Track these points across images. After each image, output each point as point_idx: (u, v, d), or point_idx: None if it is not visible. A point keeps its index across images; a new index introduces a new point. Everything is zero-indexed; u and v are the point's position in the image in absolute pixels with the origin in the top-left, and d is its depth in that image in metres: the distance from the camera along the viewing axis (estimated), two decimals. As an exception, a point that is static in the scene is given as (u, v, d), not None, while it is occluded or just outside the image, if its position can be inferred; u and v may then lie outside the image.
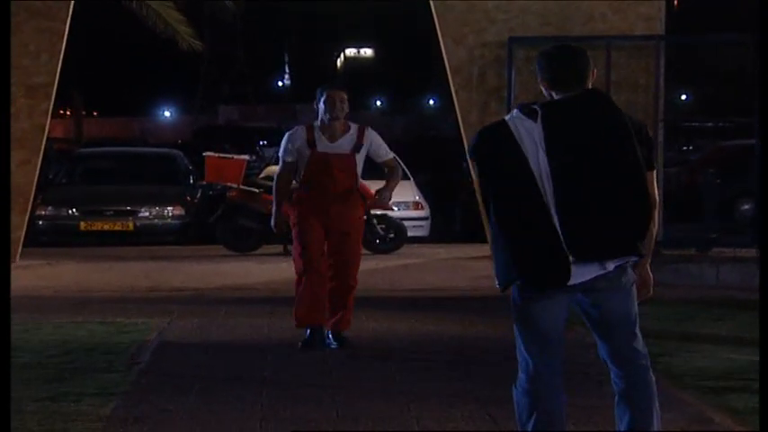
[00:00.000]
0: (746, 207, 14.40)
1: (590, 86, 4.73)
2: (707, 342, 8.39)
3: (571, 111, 4.64)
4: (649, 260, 4.85)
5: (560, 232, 4.55)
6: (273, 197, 8.07)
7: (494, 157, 4.67)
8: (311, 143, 7.88)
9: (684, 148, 24.63)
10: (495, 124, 4.75)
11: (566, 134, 4.60)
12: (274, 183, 8.07)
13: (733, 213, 15.11)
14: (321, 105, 7.89)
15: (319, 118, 7.94)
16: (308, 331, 8.01)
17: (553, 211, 4.57)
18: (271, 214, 8.14)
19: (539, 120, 4.62)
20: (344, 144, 7.92)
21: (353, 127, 7.98)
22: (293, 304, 8.10)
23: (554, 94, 4.73)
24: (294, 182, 8.03)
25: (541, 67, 4.76)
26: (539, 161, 4.59)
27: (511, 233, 4.64)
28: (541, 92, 4.79)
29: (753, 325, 9.15)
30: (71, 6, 13.09)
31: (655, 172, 4.76)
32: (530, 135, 4.61)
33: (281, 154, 8.04)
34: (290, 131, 8.02)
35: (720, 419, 6.20)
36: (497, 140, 4.67)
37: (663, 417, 5.85)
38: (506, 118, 4.72)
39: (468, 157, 4.70)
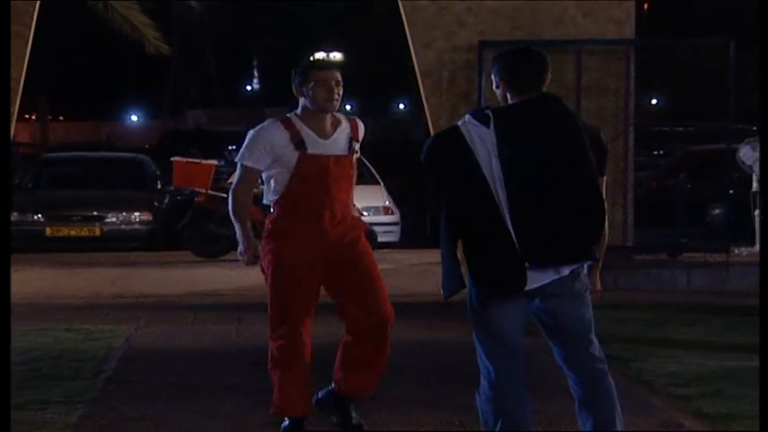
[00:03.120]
0: (717, 212, 14.44)
1: (544, 90, 4.71)
2: (678, 347, 8.38)
3: (524, 116, 4.63)
4: (600, 266, 4.85)
5: (515, 238, 4.53)
6: (235, 218, 5.75)
7: (447, 163, 4.66)
8: (298, 143, 5.64)
9: (655, 152, 24.70)
10: (448, 131, 4.73)
11: (518, 140, 4.59)
12: (232, 198, 5.73)
13: (704, 218, 15.14)
14: (308, 90, 5.68)
15: (300, 107, 5.74)
16: (288, 421, 5.88)
17: (507, 217, 4.55)
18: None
19: (491, 126, 4.60)
20: (340, 141, 5.74)
21: (344, 118, 5.84)
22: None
23: (510, 95, 4.70)
24: (268, 202, 5.83)
25: (501, 68, 4.74)
26: (492, 167, 4.58)
27: (466, 240, 4.63)
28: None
29: (724, 330, 9.16)
30: (36, 9, 12.96)
31: (605, 179, 4.75)
32: (482, 141, 4.59)
33: (242, 158, 5.71)
34: (260, 128, 5.73)
35: (691, 425, 6.21)
36: (450, 147, 4.65)
37: (633, 422, 5.81)
38: (459, 124, 4.70)
39: (422, 164, 4.69)
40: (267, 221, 5.75)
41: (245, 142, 5.70)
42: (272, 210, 5.78)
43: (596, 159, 4.65)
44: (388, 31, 29.72)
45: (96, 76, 44.86)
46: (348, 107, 46.85)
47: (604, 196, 4.72)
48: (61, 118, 49.47)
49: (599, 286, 4.87)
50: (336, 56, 52.03)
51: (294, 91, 5.75)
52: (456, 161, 4.62)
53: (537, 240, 4.56)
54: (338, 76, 5.68)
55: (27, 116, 42.87)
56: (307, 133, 5.64)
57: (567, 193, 4.56)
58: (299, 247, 5.65)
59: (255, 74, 55.76)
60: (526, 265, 4.57)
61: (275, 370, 5.77)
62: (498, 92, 4.76)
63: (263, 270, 5.79)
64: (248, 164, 5.68)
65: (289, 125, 5.66)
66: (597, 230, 4.66)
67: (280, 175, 5.67)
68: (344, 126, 5.74)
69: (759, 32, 8.73)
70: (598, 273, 4.87)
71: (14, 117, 13.01)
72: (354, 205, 5.90)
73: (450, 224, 4.66)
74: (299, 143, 5.62)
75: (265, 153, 5.64)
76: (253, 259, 5.74)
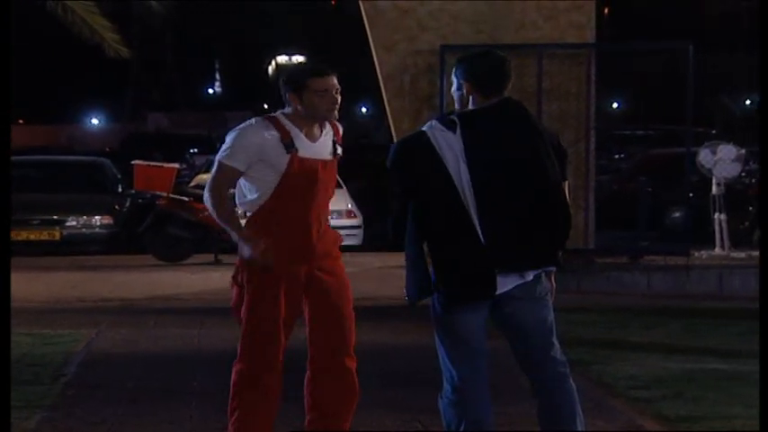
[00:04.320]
0: (677, 215, 14.53)
1: (506, 94, 4.73)
2: (638, 350, 8.42)
3: (488, 121, 4.64)
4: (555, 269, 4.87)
5: (484, 243, 4.54)
6: (223, 219, 5.17)
7: (415, 169, 4.66)
8: (288, 145, 5.15)
9: (616, 156, 24.85)
10: (415, 136, 4.73)
11: (484, 146, 4.60)
12: (213, 199, 5.15)
13: (664, 221, 15.23)
14: (305, 99, 5.19)
15: (291, 109, 5.24)
16: None
17: (476, 222, 4.56)
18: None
19: (458, 131, 4.60)
20: (327, 145, 5.30)
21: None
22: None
23: (474, 98, 4.70)
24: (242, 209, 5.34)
25: (465, 71, 4.73)
26: (460, 172, 4.58)
27: (435, 246, 4.63)
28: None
29: (684, 333, 9.21)
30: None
31: (567, 183, 4.77)
32: (450, 146, 4.61)
33: (224, 157, 5.15)
34: (246, 126, 5.20)
35: (651, 427, 6.24)
36: (419, 152, 4.65)
37: (594, 424, 5.84)
38: (425, 129, 4.70)
39: (388, 168, 4.67)
40: (247, 228, 5.18)
41: (229, 140, 5.16)
42: (246, 216, 5.26)
43: (557, 164, 4.68)
44: (351, 33, 29.74)
45: (56, 79, 44.59)
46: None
47: (569, 201, 4.75)
48: (21, 121, 49.10)
49: (554, 289, 4.88)
50: (298, 59, 51.96)
51: (285, 98, 5.23)
52: (424, 166, 4.62)
53: (504, 245, 4.57)
54: (336, 81, 5.26)
55: (-14, 119, 42.49)
56: (296, 134, 5.17)
57: (533, 198, 4.58)
58: (285, 259, 5.11)
59: (217, 77, 55.62)
60: (495, 271, 4.58)
61: (244, 393, 5.19)
62: (457, 94, 4.76)
63: (237, 283, 5.22)
64: (229, 163, 5.12)
65: (278, 125, 5.17)
66: (562, 236, 4.68)
67: (264, 177, 5.14)
68: (328, 129, 5.31)
69: (759, 32, 8.75)
70: (553, 274, 4.89)
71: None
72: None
73: (419, 229, 4.66)
74: (290, 145, 5.14)
75: (250, 153, 5.11)
76: (268, 257, 5.06)
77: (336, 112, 5.25)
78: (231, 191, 5.34)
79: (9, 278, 5.48)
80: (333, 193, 5.35)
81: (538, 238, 4.60)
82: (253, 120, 5.25)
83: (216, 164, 5.20)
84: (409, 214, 4.69)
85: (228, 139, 5.18)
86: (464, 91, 4.73)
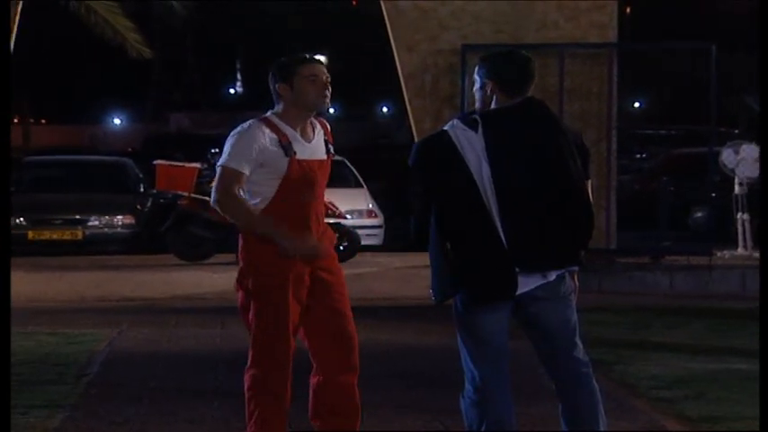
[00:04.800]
0: (700, 215, 14.48)
1: (529, 94, 4.72)
2: (661, 350, 8.39)
3: (511, 121, 4.63)
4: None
5: (505, 243, 4.53)
6: (252, 224, 5.08)
7: (437, 168, 4.64)
8: (286, 147, 5.07)
9: (638, 155, 24.78)
10: (436, 135, 4.72)
11: (507, 144, 4.59)
12: (228, 206, 5.05)
13: (686, 221, 15.18)
14: (294, 88, 5.11)
15: (282, 107, 5.15)
16: None
17: (498, 222, 4.55)
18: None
19: (479, 130, 4.60)
20: (320, 145, 5.23)
21: (314, 119, 5.28)
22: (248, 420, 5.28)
23: (497, 97, 4.69)
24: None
25: (489, 70, 4.71)
26: (482, 172, 4.57)
27: (456, 246, 4.62)
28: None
29: (706, 333, 9.18)
30: (18, 12, 12.92)
31: (590, 183, 4.76)
32: (471, 146, 4.59)
33: (226, 161, 5.06)
34: (244, 129, 5.11)
35: (673, 427, 6.22)
36: (440, 151, 4.64)
37: (617, 425, 5.82)
38: (446, 128, 4.69)
39: (410, 168, 4.71)
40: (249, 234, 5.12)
41: (229, 143, 5.07)
42: None
43: (581, 163, 4.67)
44: (372, 33, 29.74)
45: (79, 79, 44.74)
46: (332, 110, 46.72)
47: (591, 200, 4.73)
48: (43, 121, 49.31)
49: (576, 284, 4.86)
50: (320, 58, 52.03)
51: (274, 89, 5.14)
52: (446, 165, 4.61)
53: (526, 245, 4.55)
54: (326, 72, 5.15)
55: (9, 119, 42.70)
56: (293, 136, 5.08)
57: (556, 198, 4.57)
58: (290, 261, 5.04)
59: (239, 77, 55.69)
60: (516, 270, 4.57)
61: (259, 397, 5.16)
62: (479, 93, 4.74)
63: (242, 287, 5.19)
64: (234, 166, 5.01)
65: (273, 126, 5.08)
66: (585, 235, 4.66)
67: (265, 181, 5.06)
68: (319, 128, 5.22)
69: (759, 32, 8.73)
70: (576, 273, 4.87)
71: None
72: (336, 207, 5.41)
73: (440, 228, 4.65)
74: (287, 147, 5.04)
75: (252, 156, 5.01)
76: (316, 246, 5.05)
77: (328, 101, 5.13)
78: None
79: (9, 278, 5.50)
80: (324, 191, 5.25)
81: (560, 238, 4.59)
82: (247, 123, 5.13)
83: (218, 171, 5.06)
84: (431, 214, 4.68)
85: (228, 144, 5.08)
86: (487, 90, 4.71)
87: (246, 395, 5.22)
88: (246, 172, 5.03)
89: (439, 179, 4.63)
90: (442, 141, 4.65)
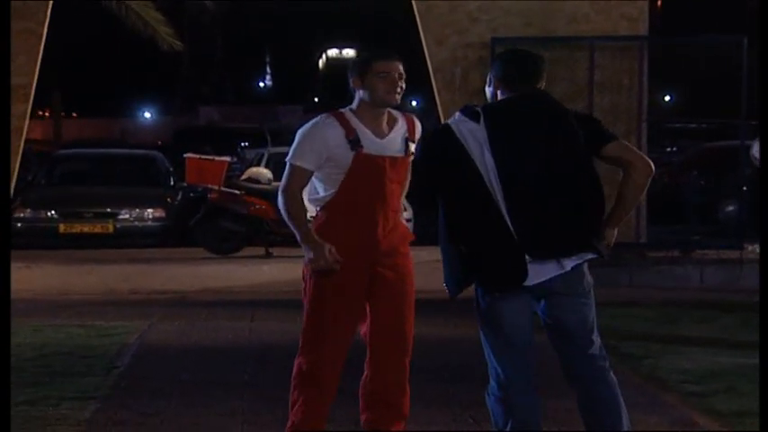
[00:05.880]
0: (730, 208, 14.40)
1: (537, 88, 4.77)
2: (691, 344, 8.36)
3: (512, 110, 4.69)
4: (618, 224, 4.84)
5: (513, 231, 4.55)
6: (291, 220, 5.17)
7: (440, 160, 4.69)
8: (353, 141, 5.14)
9: (668, 149, 24.67)
10: (439, 129, 4.80)
11: (508, 133, 4.64)
12: (283, 200, 5.17)
13: (717, 215, 15.10)
14: (367, 83, 5.16)
15: (357, 102, 5.21)
16: None
17: (504, 210, 4.57)
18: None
19: (481, 121, 4.63)
20: (396, 141, 5.22)
21: (400, 116, 5.30)
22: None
23: (501, 92, 4.78)
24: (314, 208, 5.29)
25: (495, 66, 4.83)
26: (485, 161, 4.61)
27: (464, 236, 4.64)
28: None
29: (737, 327, 9.14)
30: (49, 7, 12.98)
31: (618, 143, 4.74)
32: (473, 136, 4.64)
33: (292, 157, 5.16)
34: (313, 124, 5.17)
35: (704, 422, 6.19)
36: (442, 144, 4.69)
37: (646, 419, 5.80)
38: (449, 122, 4.74)
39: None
40: (313, 225, 5.19)
41: (297, 139, 5.15)
42: (316, 212, 5.24)
43: (594, 132, 4.67)
44: (401, 27, 29.71)
45: (109, 73, 44.95)
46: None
47: (638, 153, 4.76)
48: (74, 115, 49.58)
49: (612, 241, 4.82)
50: (349, 53, 52.02)
51: (351, 84, 5.20)
52: (449, 157, 4.66)
53: (535, 232, 4.58)
54: (401, 67, 5.16)
55: (40, 113, 42.97)
56: (362, 131, 5.13)
57: (561, 183, 4.58)
58: (348, 255, 5.10)
59: (268, 70, 55.81)
60: (527, 258, 4.57)
61: (303, 387, 5.22)
62: (489, 90, 4.84)
63: (303, 278, 5.25)
64: (299, 164, 5.12)
65: (343, 121, 5.13)
66: (595, 219, 4.66)
67: (332, 175, 5.13)
68: (401, 125, 5.23)
69: (759, 32, 8.70)
70: (615, 229, 4.83)
71: (28, 115, 13.02)
72: (404, 206, 5.42)
73: (449, 221, 4.68)
74: (355, 141, 5.10)
75: (318, 152, 5.09)
76: (332, 261, 5.08)
77: (399, 97, 5.15)
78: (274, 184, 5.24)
79: (9, 275, 5.54)
80: (403, 189, 5.27)
81: (567, 223, 4.59)
82: (319, 117, 5.19)
83: (287, 166, 5.17)
84: (440, 209, 4.72)
85: (296, 139, 5.16)
86: (493, 87, 4.81)
87: (292, 383, 5.28)
88: (312, 168, 5.11)
89: (443, 171, 4.68)
90: (444, 134, 4.71)
